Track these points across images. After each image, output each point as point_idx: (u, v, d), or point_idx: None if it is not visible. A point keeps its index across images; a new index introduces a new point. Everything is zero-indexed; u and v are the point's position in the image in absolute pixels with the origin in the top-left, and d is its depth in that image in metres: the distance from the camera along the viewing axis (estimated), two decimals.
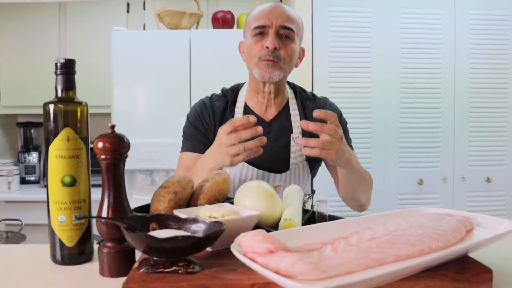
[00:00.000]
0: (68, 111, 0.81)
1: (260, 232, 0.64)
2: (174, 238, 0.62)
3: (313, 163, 1.38)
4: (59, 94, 0.83)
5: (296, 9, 2.66)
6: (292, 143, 1.33)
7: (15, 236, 1.66)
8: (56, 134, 0.80)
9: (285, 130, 1.35)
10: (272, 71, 1.26)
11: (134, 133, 2.39)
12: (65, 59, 0.82)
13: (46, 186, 0.83)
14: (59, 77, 0.82)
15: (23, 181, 3.18)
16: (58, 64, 0.82)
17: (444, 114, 2.70)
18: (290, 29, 1.27)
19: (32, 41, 3.05)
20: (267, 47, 1.25)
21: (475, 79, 2.71)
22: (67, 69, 0.82)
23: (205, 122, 1.36)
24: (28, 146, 3.32)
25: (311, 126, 1.01)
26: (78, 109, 0.83)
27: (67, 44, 3.06)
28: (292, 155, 1.34)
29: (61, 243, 0.82)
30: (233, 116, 1.36)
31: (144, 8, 3.13)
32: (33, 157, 3.29)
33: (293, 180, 1.33)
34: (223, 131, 1.08)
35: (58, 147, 0.80)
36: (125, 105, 2.57)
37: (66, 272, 0.80)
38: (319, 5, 2.63)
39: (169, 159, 2.53)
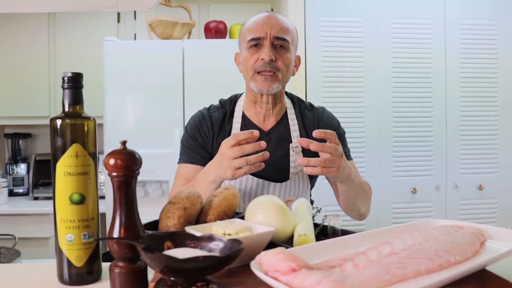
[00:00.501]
0: (76, 127, 0.79)
1: (281, 250, 0.63)
2: (195, 259, 0.60)
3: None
4: (66, 109, 0.81)
5: (289, 19, 2.67)
6: (291, 152, 1.33)
7: (8, 252, 1.61)
8: (64, 150, 0.78)
9: (284, 140, 1.34)
10: (270, 84, 1.27)
11: (127, 143, 2.35)
12: (72, 73, 0.80)
13: (54, 202, 0.80)
14: (66, 91, 0.80)
15: (11, 193, 3.11)
16: (65, 78, 0.80)
17: (436, 123, 2.72)
18: (285, 39, 1.27)
19: (21, 51, 3.00)
20: (262, 59, 1.25)
21: (465, 88, 2.74)
22: (75, 83, 0.80)
23: (203, 133, 1.35)
24: (16, 157, 3.25)
25: (311, 146, 1.02)
26: (86, 124, 0.81)
27: (56, 54, 3.02)
28: (291, 164, 1.33)
29: (69, 262, 0.79)
30: (231, 127, 1.35)
31: (135, 18, 3.11)
32: (21, 168, 3.22)
33: (293, 189, 1.33)
34: (226, 145, 1.08)
35: (66, 164, 0.78)
36: (117, 115, 2.54)
37: None
38: (312, 15, 2.64)
39: (162, 170, 2.51)
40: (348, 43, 2.67)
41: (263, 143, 1.05)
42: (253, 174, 1.29)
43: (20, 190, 3.18)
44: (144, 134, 2.54)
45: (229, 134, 1.33)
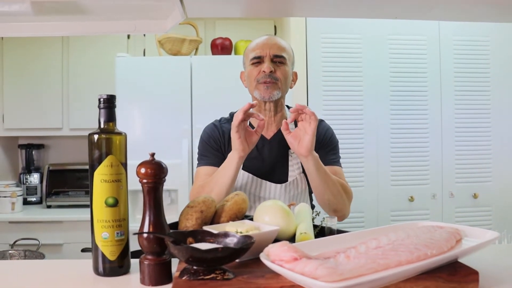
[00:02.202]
0: (110, 141, 0.93)
1: (285, 243, 0.77)
2: (215, 249, 0.74)
3: None
4: (102, 126, 0.95)
5: (291, 36, 2.83)
6: (290, 157, 1.51)
7: (33, 255, 1.74)
8: (100, 161, 0.92)
9: (284, 146, 1.50)
10: (271, 91, 1.47)
11: (137, 155, 2.48)
12: (107, 95, 0.94)
13: (91, 205, 0.94)
14: (102, 110, 0.94)
15: (25, 202, 3.24)
16: (101, 99, 0.94)
17: (432, 134, 2.85)
18: (282, 56, 1.49)
19: (36, 66, 3.15)
20: (264, 71, 1.46)
21: (459, 100, 2.88)
22: (109, 103, 0.95)
23: (217, 139, 1.54)
24: (30, 167, 3.39)
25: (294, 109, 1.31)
26: (118, 139, 0.95)
27: (69, 69, 3.17)
28: (290, 168, 1.51)
29: (104, 257, 0.93)
30: None
31: (144, 35, 3.26)
32: (34, 178, 3.36)
33: (292, 190, 1.49)
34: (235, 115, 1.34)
35: (102, 172, 0.91)
36: (129, 127, 2.68)
37: (109, 283, 0.91)
38: (313, 32, 2.79)
39: (171, 180, 2.58)
40: (348, 59, 2.81)
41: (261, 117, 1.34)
42: (256, 175, 1.48)
43: (34, 199, 3.32)
44: (154, 145, 2.68)
45: None
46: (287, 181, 1.49)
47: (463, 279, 0.79)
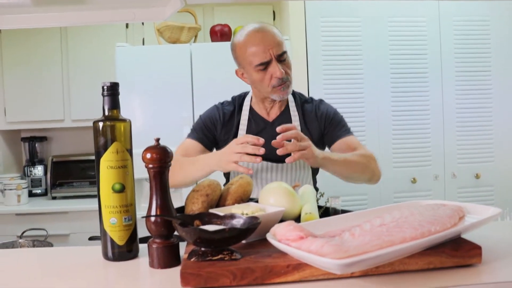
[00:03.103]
0: (115, 127, 0.94)
1: (291, 222, 0.78)
2: (222, 230, 0.75)
3: None
4: (106, 113, 0.96)
5: (290, 20, 2.82)
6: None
7: (41, 245, 1.77)
8: (106, 147, 0.93)
9: None
10: (287, 91, 1.49)
11: (139, 144, 2.50)
12: (111, 82, 0.95)
13: (98, 191, 0.95)
14: (106, 98, 0.95)
15: (30, 194, 3.27)
16: (105, 87, 0.95)
17: (433, 115, 2.86)
18: (284, 52, 1.46)
19: (36, 58, 3.15)
20: (277, 78, 1.43)
21: (460, 81, 2.88)
22: (113, 91, 0.95)
23: (215, 120, 1.57)
24: (34, 160, 3.41)
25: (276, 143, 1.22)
26: (123, 125, 0.96)
27: (69, 60, 3.17)
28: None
29: (113, 242, 0.94)
30: (240, 119, 1.58)
31: (143, 24, 3.25)
32: (38, 170, 3.38)
33: (294, 170, 1.51)
34: (235, 141, 1.27)
35: (108, 159, 0.93)
36: (129, 117, 2.68)
37: (119, 267, 0.93)
38: (312, 16, 2.78)
39: None
40: (347, 41, 2.81)
41: (262, 150, 1.22)
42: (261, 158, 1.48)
43: (39, 191, 3.34)
44: (155, 134, 2.65)
45: (237, 124, 1.56)
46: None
47: (466, 254, 0.81)
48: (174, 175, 1.26)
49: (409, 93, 2.84)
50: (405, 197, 2.83)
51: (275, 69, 1.42)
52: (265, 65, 1.43)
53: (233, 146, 1.26)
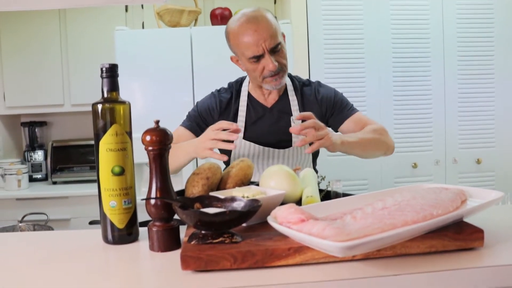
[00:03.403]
0: (114, 110, 0.93)
1: (292, 205, 0.77)
2: (223, 213, 0.74)
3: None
4: (105, 95, 0.94)
5: (291, 5, 2.78)
6: (292, 124, 1.48)
7: (42, 229, 1.77)
8: (105, 130, 0.92)
9: (285, 113, 1.52)
10: (280, 81, 1.46)
11: (138, 128, 2.50)
12: (110, 64, 0.94)
13: (97, 174, 0.94)
14: (105, 80, 0.94)
15: (30, 179, 3.27)
16: (104, 69, 0.93)
17: (435, 100, 2.84)
18: (278, 43, 1.41)
19: (35, 42, 3.12)
20: (270, 70, 1.41)
21: (462, 66, 2.85)
22: (112, 72, 0.94)
23: (211, 109, 1.55)
24: (34, 145, 3.40)
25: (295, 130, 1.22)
26: (122, 108, 0.95)
27: (68, 44, 3.14)
28: (293, 134, 1.49)
29: (112, 225, 0.94)
30: (238, 105, 1.55)
31: (142, 7, 3.21)
32: (38, 155, 3.37)
33: (295, 155, 1.51)
34: (211, 127, 1.28)
35: (108, 142, 0.92)
36: (129, 100, 2.67)
37: (119, 251, 0.92)
38: (313, 0, 2.74)
39: None
40: (349, 25, 2.78)
41: (235, 136, 1.24)
42: (260, 143, 1.49)
43: (39, 176, 3.34)
44: (155, 117, 2.66)
45: (235, 111, 1.54)
46: (291, 146, 1.50)
47: (469, 237, 0.80)
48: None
49: (411, 77, 2.82)
50: (405, 182, 2.82)
51: (268, 62, 1.40)
52: (258, 58, 1.41)
53: (208, 132, 1.27)
